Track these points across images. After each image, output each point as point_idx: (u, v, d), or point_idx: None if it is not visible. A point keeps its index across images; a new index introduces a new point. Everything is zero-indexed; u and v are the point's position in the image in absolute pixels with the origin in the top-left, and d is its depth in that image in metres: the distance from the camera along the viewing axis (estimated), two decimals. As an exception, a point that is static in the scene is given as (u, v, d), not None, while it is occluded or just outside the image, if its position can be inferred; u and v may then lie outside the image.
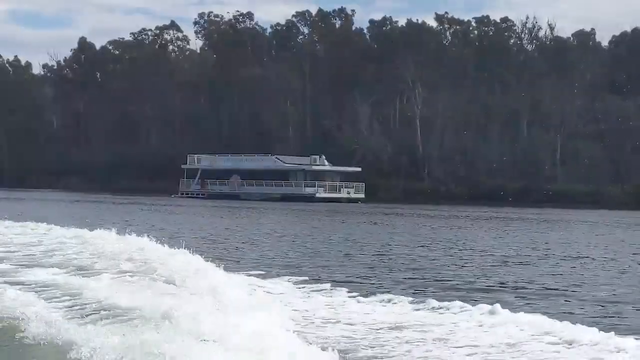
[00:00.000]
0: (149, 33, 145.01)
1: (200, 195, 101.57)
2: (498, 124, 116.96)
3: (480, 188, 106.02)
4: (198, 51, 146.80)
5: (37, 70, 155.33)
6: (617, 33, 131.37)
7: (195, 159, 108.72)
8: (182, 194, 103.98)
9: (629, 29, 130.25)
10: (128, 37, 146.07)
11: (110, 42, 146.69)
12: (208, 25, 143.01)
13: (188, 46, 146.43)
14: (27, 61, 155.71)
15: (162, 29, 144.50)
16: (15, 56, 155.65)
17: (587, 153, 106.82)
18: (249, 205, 78.41)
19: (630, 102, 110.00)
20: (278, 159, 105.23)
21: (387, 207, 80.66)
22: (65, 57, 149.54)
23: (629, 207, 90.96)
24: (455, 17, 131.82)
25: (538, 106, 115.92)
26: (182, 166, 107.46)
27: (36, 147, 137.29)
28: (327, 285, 17.81)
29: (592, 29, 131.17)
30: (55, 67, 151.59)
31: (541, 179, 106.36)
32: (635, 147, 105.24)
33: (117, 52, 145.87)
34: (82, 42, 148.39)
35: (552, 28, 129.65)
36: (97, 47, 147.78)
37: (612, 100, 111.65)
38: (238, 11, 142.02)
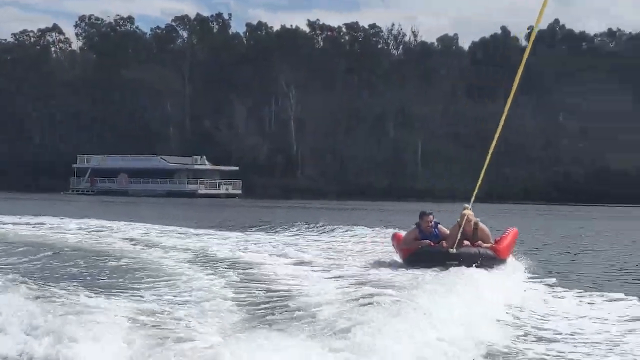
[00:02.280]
0: (31, 34, 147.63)
1: (90, 192, 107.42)
2: (366, 125, 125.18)
3: (350, 185, 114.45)
4: (79, 51, 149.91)
5: None
6: (477, 39, 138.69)
7: (85, 159, 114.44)
8: (73, 191, 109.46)
9: (487, 35, 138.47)
10: (9, 38, 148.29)
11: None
12: (89, 28, 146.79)
13: (70, 48, 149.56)
14: None
15: (45, 31, 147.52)
16: None
17: (445, 153, 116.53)
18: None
19: (484, 106, 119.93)
20: (163, 159, 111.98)
21: (268, 202, 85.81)
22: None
23: (480, 200, 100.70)
24: (327, 23, 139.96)
25: (403, 109, 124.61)
26: (73, 165, 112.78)
27: None
28: None
29: (455, 34, 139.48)
30: None
31: (406, 176, 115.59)
32: (487, 148, 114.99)
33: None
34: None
35: (415, 34, 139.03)
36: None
37: (469, 104, 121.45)
38: (118, 15, 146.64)
